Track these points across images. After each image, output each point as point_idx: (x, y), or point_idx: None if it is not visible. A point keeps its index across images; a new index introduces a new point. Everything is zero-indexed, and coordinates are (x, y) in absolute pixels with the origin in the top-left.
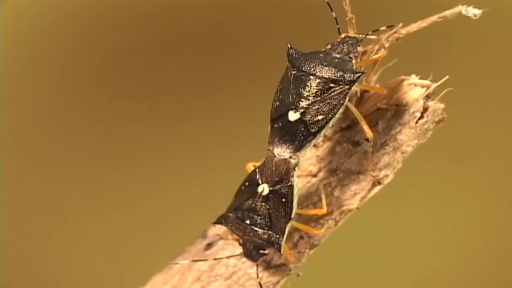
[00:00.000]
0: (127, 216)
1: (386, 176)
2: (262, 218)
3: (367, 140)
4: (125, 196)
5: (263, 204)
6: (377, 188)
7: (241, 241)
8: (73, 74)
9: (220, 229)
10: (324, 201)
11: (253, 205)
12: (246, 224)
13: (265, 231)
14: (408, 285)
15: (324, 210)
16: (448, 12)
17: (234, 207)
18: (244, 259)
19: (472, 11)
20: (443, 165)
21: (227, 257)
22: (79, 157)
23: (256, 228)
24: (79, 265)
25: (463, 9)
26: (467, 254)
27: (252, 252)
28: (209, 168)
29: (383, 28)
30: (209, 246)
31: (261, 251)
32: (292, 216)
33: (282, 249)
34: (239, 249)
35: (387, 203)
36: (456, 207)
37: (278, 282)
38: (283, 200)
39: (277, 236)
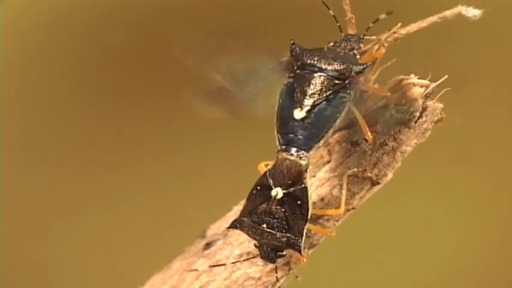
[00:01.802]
0: (126, 216)
1: (385, 175)
2: (279, 221)
3: (366, 139)
4: (125, 196)
5: (278, 207)
6: (376, 188)
7: (256, 244)
8: (74, 74)
9: (219, 229)
10: (343, 199)
11: (269, 209)
12: (263, 228)
13: (284, 234)
14: (407, 286)
15: (341, 210)
16: (447, 13)
17: (247, 212)
18: (243, 259)
19: (472, 12)
20: (442, 164)
21: (245, 260)
22: (78, 157)
23: (274, 232)
24: (78, 265)
25: (462, 9)
26: (467, 253)
27: (269, 254)
28: (209, 168)
29: (383, 16)
30: (208, 246)
31: (279, 253)
32: (309, 217)
33: (302, 251)
34: (238, 249)
35: (386, 202)
36: (456, 206)
37: (277, 281)
38: (299, 202)
39: (296, 238)
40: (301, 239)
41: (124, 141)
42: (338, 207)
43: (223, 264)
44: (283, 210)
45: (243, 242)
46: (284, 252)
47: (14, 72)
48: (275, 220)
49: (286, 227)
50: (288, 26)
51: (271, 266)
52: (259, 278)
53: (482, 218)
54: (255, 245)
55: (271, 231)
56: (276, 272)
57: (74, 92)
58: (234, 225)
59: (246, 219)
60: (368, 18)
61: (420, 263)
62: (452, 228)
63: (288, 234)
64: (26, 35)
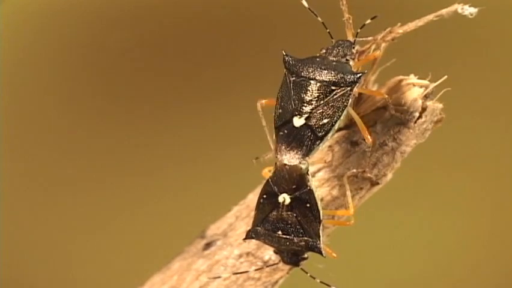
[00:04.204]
0: (125, 216)
1: (385, 175)
2: (293, 226)
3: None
4: (124, 196)
5: (289, 213)
6: (376, 188)
7: (276, 250)
8: (74, 73)
9: (219, 229)
10: (349, 200)
11: (280, 215)
12: (279, 234)
13: (301, 238)
14: (405, 285)
15: (351, 211)
16: (444, 11)
17: (259, 221)
18: (242, 259)
19: (468, 10)
20: (442, 164)
21: (267, 266)
22: (77, 157)
23: (291, 237)
24: (77, 265)
25: (459, 7)
26: (466, 254)
27: (291, 259)
28: (209, 168)
29: (368, 21)
30: (208, 246)
31: (301, 256)
32: (321, 218)
33: (323, 252)
34: (237, 250)
35: (385, 202)
36: (455, 206)
37: (277, 282)
38: (308, 205)
39: (314, 240)
40: (320, 240)
41: (123, 141)
42: (338, 207)
43: (246, 271)
44: (294, 215)
45: (242, 243)
46: (306, 255)
47: (14, 72)
48: (289, 226)
49: (302, 230)
50: (281, 32)
51: (269, 265)
52: (259, 278)
53: (482, 217)
54: (274, 251)
55: (288, 236)
56: (276, 273)
57: (74, 92)
58: (249, 236)
59: (259, 228)
60: (366, 19)
61: (418, 263)
62: (452, 228)
63: (306, 238)
64: (26, 35)
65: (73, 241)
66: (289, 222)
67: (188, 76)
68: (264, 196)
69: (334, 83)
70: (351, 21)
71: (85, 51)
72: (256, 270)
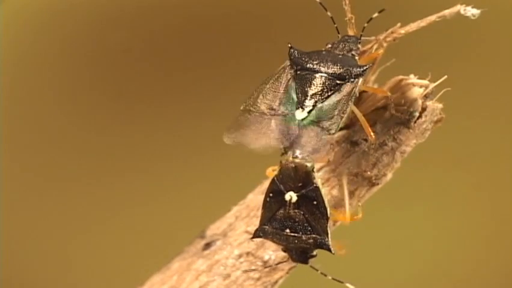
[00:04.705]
0: (124, 216)
1: (385, 175)
2: (301, 224)
3: (365, 139)
4: (124, 196)
5: (296, 211)
6: (376, 188)
7: (284, 248)
8: (74, 73)
9: (218, 229)
10: (347, 202)
11: (287, 213)
12: (287, 232)
13: (309, 235)
14: (405, 286)
15: (348, 215)
16: (446, 12)
17: (267, 219)
18: (242, 259)
19: (471, 11)
20: (442, 164)
21: (277, 264)
22: (77, 157)
23: (299, 235)
24: (77, 265)
25: (461, 8)
26: (466, 254)
27: (300, 257)
28: (208, 168)
29: (375, 15)
30: (207, 246)
31: (310, 254)
32: (329, 214)
33: (332, 249)
34: (237, 250)
35: (385, 202)
36: (455, 206)
37: (277, 282)
38: (315, 202)
39: (323, 238)
40: (328, 238)
41: (123, 141)
42: (338, 208)
43: (254, 270)
44: (301, 212)
45: (242, 242)
46: (314, 253)
47: (14, 72)
48: (297, 223)
49: (310, 228)
50: (285, 27)
51: (269, 265)
52: (259, 278)
53: (482, 217)
54: (282, 249)
55: (296, 234)
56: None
57: (74, 91)
58: (257, 235)
59: (267, 227)
60: (368, 18)
61: (418, 263)
62: (451, 229)
63: (314, 235)
64: (26, 35)
65: (73, 241)
66: (296, 220)
67: (189, 75)
68: (271, 195)
69: (339, 76)
70: (353, 21)
71: (85, 51)
72: (265, 267)
